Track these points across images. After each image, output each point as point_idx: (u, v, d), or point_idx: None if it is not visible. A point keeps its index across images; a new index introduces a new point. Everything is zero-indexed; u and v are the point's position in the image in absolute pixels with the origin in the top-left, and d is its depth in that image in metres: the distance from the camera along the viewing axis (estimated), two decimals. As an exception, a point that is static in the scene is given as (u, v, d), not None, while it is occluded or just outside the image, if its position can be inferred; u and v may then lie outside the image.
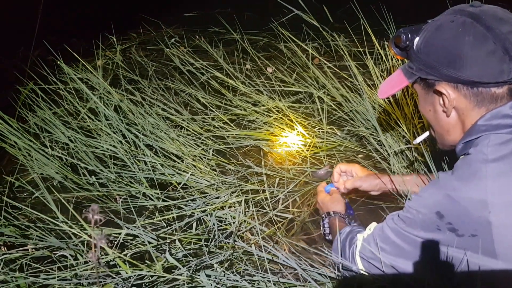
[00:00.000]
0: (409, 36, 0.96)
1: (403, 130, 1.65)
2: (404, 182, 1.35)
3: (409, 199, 0.98)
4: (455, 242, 0.85)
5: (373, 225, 1.14)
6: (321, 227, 1.39)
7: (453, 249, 0.86)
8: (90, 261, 1.20)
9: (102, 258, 1.16)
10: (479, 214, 0.81)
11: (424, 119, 1.07)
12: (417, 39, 0.95)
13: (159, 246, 1.29)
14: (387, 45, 1.90)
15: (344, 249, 1.15)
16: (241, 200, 1.49)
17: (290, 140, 1.87)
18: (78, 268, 1.18)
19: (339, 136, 1.88)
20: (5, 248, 1.35)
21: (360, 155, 1.80)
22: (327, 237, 1.38)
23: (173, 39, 2.67)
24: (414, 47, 0.96)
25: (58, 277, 1.15)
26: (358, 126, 1.87)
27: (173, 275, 1.16)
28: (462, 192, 0.84)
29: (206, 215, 1.46)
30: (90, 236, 1.20)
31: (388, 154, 1.66)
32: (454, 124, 0.96)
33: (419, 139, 1.18)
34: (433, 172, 1.19)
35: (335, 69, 2.07)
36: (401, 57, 1.03)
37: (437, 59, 0.90)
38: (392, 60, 1.93)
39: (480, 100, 0.89)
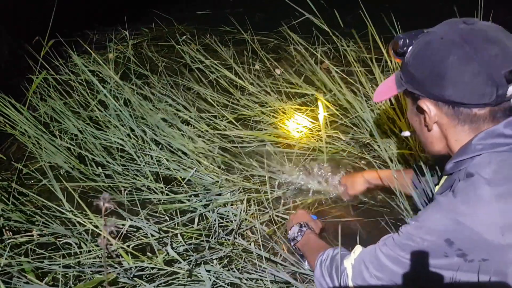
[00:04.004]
0: (407, 41, 0.95)
1: (406, 138, 1.67)
2: (390, 177, 1.38)
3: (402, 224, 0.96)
4: (463, 268, 0.83)
5: (358, 249, 1.08)
6: (293, 232, 1.38)
7: (460, 273, 0.84)
8: (93, 250, 1.23)
9: (107, 248, 1.19)
10: (492, 238, 0.79)
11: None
12: (410, 48, 0.95)
13: (161, 239, 1.32)
14: (387, 48, 1.92)
15: (332, 279, 1.10)
16: (243, 199, 1.52)
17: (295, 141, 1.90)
18: (82, 257, 1.22)
19: (343, 141, 1.90)
20: (11, 233, 1.39)
21: (363, 161, 1.82)
22: (292, 242, 1.38)
23: (185, 36, 2.70)
24: (405, 58, 0.96)
25: (62, 264, 1.18)
26: (363, 133, 1.89)
27: (174, 268, 1.19)
28: (472, 216, 0.81)
29: (208, 211, 1.48)
30: (95, 226, 1.23)
31: (391, 160, 1.68)
32: (437, 137, 0.97)
33: (406, 133, 1.18)
34: (429, 181, 1.20)
35: (343, 74, 2.09)
36: (399, 60, 1.01)
37: (422, 75, 0.90)
38: (399, 68, 1.95)
39: (462, 119, 0.89)
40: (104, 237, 0.69)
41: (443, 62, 0.86)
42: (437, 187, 1.05)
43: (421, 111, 0.95)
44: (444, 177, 0.99)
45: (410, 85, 0.94)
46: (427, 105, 0.92)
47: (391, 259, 0.94)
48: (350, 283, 1.03)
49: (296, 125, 1.98)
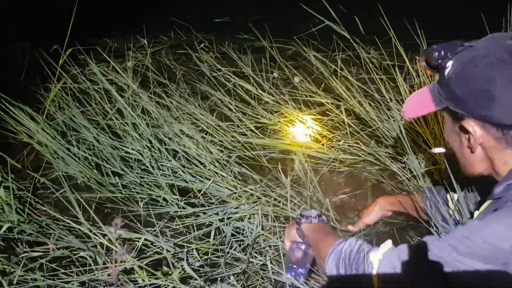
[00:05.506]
0: (442, 54, 0.89)
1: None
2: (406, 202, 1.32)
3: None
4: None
5: (388, 244, 0.97)
6: (309, 213, 1.26)
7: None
8: (108, 266, 1.21)
9: (121, 264, 1.17)
10: None
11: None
12: (450, 63, 0.88)
13: (176, 254, 1.29)
14: (417, 59, 1.86)
15: (351, 268, 0.98)
16: (261, 212, 1.48)
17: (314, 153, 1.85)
18: (97, 272, 1.19)
19: (364, 151, 1.84)
20: (26, 246, 1.38)
21: (384, 173, 1.76)
22: (302, 219, 1.25)
23: (203, 44, 2.69)
24: (445, 73, 0.89)
25: (76, 280, 1.16)
26: (384, 144, 1.84)
27: (190, 286, 1.16)
28: None
29: (224, 225, 1.45)
30: (110, 242, 1.21)
31: (413, 175, 1.62)
32: (480, 159, 0.91)
33: (438, 150, 1.11)
34: (459, 194, 1.14)
35: (364, 82, 2.04)
36: (431, 72, 0.95)
37: (467, 95, 0.84)
38: (422, 75, 1.89)
39: (510, 142, 0.83)
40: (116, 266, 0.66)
41: (491, 82, 0.80)
42: (476, 212, 0.96)
43: (464, 131, 0.88)
44: (488, 202, 0.91)
45: (452, 103, 0.88)
46: (472, 126, 0.85)
47: (440, 260, 0.84)
48: (374, 273, 0.93)
49: (315, 134, 1.93)
